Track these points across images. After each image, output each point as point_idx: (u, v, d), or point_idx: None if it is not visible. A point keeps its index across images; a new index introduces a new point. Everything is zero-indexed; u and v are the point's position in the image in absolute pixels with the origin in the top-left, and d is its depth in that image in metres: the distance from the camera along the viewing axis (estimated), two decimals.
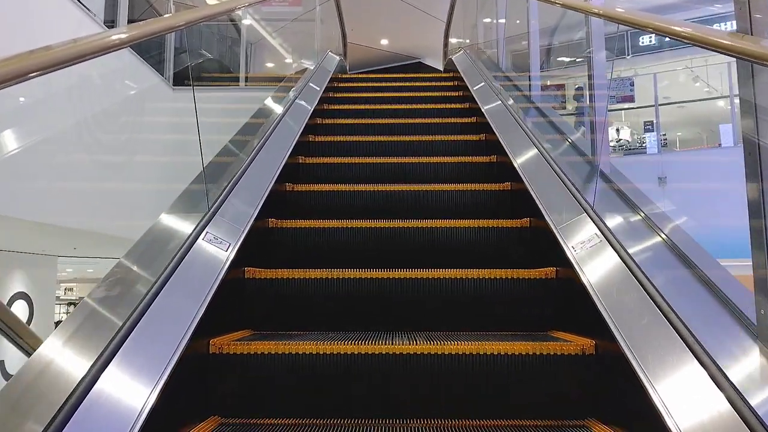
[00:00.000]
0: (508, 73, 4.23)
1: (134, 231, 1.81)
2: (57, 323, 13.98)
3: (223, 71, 7.26)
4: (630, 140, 12.95)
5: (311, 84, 4.08)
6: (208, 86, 6.36)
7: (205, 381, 1.65)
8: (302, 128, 3.37)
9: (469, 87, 4.12)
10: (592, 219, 1.84)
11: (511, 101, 3.44)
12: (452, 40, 7.60)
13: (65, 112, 4.05)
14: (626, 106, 10.33)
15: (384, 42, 13.98)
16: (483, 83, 4.01)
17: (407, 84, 5.02)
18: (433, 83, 4.95)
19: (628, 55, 13.08)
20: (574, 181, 2.13)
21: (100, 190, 4.40)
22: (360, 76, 5.71)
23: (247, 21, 7.50)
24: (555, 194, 2.20)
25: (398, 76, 5.43)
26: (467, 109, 4.01)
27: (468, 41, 6.79)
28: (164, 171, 5.19)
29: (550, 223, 2.04)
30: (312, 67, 4.77)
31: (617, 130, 13.17)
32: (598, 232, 1.75)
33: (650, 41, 12.56)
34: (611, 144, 13.30)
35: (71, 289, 18.94)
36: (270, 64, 10.52)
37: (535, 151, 2.68)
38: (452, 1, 6.78)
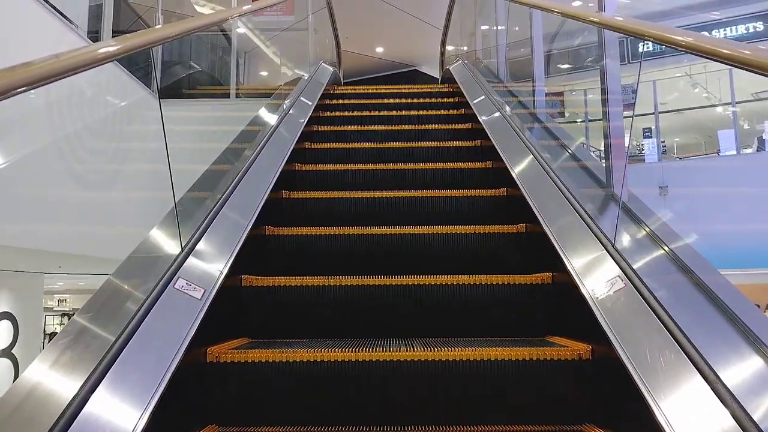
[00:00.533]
0: (509, 84, 4.05)
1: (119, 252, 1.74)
2: (51, 335, 13.75)
3: (213, 83, 7.07)
4: (629, 147, 12.77)
5: (302, 98, 3.88)
6: (194, 99, 6.16)
7: (202, 390, 1.64)
8: (296, 137, 3.29)
9: (469, 101, 3.92)
10: (613, 258, 1.64)
11: (512, 116, 3.25)
12: (449, 48, 7.41)
13: (42, 131, 3.85)
14: (627, 114, 10.13)
15: (379, 50, 13.83)
16: (483, 96, 3.83)
17: (403, 95, 4.84)
18: (432, 105, 4.69)
19: (628, 61, 12.95)
20: (593, 214, 1.93)
21: (81, 211, 4.19)
22: (355, 89, 5.49)
23: (240, 29, 7.32)
24: (573, 232, 1.99)
25: (394, 88, 5.23)
26: (470, 130, 3.80)
27: (465, 48, 6.61)
28: (152, 187, 5.00)
29: (567, 263, 1.84)
30: (304, 79, 4.56)
31: None
32: (622, 275, 1.55)
33: (649, 47, 12.40)
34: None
35: (65, 300, 18.68)
36: (264, 73, 10.35)
37: (540, 168, 2.49)
38: (449, 8, 6.60)
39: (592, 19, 2.15)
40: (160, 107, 1.77)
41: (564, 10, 2.63)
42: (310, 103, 3.97)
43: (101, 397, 1.18)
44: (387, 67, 14.64)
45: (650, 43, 2.12)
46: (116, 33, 5.48)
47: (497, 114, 3.37)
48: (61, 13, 4.20)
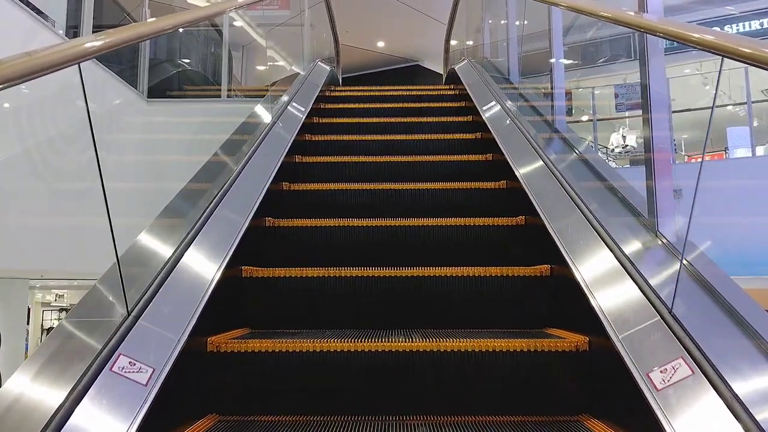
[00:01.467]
0: (522, 86, 3.69)
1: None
2: (49, 329, 13.53)
3: (203, 82, 6.70)
4: (636, 146, 12.39)
5: (294, 104, 3.52)
6: (174, 101, 5.78)
7: (203, 379, 1.64)
8: (291, 139, 3.06)
9: (479, 108, 3.55)
10: (673, 331, 1.29)
11: (526, 127, 2.89)
12: (453, 42, 7.01)
13: (13, 138, 3.51)
14: (638, 113, 9.72)
15: (381, 44, 13.45)
16: (494, 102, 3.46)
17: (407, 96, 4.47)
18: (440, 114, 4.15)
19: (635, 57, 12.55)
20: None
21: (58, 225, 3.85)
22: (353, 91, 5.07)
23: (237, 22, 6.95)
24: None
25: (396, 88, 4.84)
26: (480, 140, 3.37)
27: (471, 42, 6.21)
28: (139, 188, 4.69)
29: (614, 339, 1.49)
30: (297, 81, 4.19)
31: (623, 136, 12.66)
32: (689, 360, 1.20)
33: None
34: (616, 150, 12.73)
35: (62, 296, 18.49)
36: (260, 67, 10.00)
37: (572, 203, 2.13)
38: (454, 2, 6.20)
39: (603, 14, 1.99)
40: (88, 115, 1.41)
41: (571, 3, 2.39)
42: (304, 109, 3.61)
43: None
44: (388, 62, 14.25)
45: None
46: (100, 29, 5.12)
47: (515, 132, 2.97)
48: (33, 7, 3.84)
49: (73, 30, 4.83)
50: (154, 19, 1.82)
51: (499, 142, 2.89)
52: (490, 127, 3.12)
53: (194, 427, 1.50)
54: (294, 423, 1.56)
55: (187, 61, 6.71)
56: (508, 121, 3.05)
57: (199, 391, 1.62)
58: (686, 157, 12.86)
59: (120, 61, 5.41)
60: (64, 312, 16.73)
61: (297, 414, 1.61)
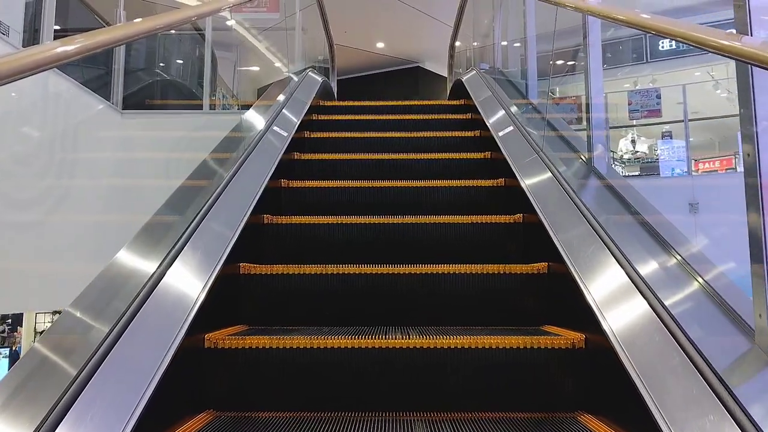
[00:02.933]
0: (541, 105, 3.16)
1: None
2: (41, 332, 13.17)
3: (181, 94, 6.17)
4: (648, 153, 11.88)
5: (275, 128, 2.99)
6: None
7: (199, 375, 1.63)
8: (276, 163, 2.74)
9: (493, 134, 3.03)
10: None
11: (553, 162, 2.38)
12: (457, 44, 6.45)
13: None
14: (653, 121, 9.19)
15: (380, 45, 12.92)
16: (512, 127, 2.94)
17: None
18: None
19: (646, 60, 12.03)
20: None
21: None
22: (348, 110, 4.45)
23: (229, 21, 6.43)
24: None
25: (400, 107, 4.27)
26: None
27: (477, 44, 5.66)
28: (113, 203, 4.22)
29: None
30: (279, 101, 3.64)
31: (632, 141, 12.16)
32: None
33: (671, 45, 11.51)
34: (625, 156, 12.15)
35: None
36: (252, 69, 9.50)
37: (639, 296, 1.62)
38: (460, 5, 5.64)
39: (617, 17, 1.79)
40: None
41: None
42: (286, 134, 3.08)
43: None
44: (388, 63, 13.74)
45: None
46: (65, 33, 4.61)
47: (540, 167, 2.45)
48: None
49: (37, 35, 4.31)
50: (123, 23, 1.68)
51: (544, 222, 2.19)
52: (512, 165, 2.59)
53: (191, 424, 1.49)
54: (291, 419, 1.56)
55: (165, 66, 6.18)
56: (533, 156, 2.53)
57: (196, 387, 1.60)
58: (693, 162, 12.29)
59: (92, 67, 4.91)
60: (57, 314, 16.37)
61: (294, 410, 1.61)
